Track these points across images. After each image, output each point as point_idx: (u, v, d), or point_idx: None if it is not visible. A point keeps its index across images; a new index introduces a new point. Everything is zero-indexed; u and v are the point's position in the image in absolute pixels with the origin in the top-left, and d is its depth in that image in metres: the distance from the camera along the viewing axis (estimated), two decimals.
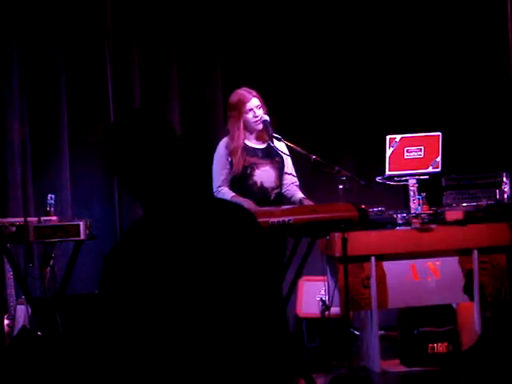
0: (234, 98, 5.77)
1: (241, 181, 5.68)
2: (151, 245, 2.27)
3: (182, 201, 2.34)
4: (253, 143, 5.75)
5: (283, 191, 5.79)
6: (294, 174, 5.84)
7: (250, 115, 5.68)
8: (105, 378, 2.35)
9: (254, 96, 5.71)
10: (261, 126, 5.70)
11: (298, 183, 5.84)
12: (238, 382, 2.27)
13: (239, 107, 5.68)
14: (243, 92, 5.75)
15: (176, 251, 2.27)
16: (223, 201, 2.54)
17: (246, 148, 5.70)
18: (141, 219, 2.34)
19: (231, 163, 5.67)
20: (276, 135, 5.74)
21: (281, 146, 5.77)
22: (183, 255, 2.27)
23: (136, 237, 2.31)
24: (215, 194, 5.64)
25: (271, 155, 5.75)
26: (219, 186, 5.67)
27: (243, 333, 2.28)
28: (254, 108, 5.67)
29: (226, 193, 5.62)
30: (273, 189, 5.71)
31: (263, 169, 5.72)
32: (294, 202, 5.75)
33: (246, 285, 2.30)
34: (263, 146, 5.77)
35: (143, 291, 2.23)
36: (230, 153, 5.67)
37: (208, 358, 2.25)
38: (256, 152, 5.72)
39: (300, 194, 5.77)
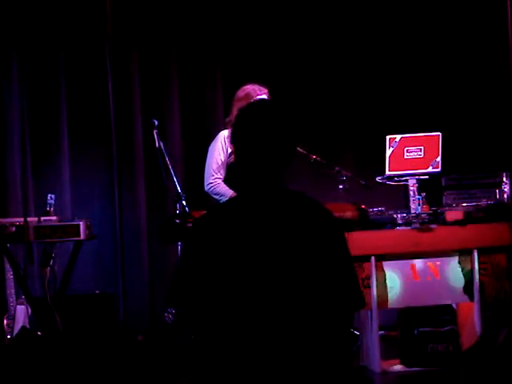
0: (244, 89, 5.66)
1: (236, 174, 5.63)
2: (237, 221, 2.50)
3: (274, 189, 2.57)
4: None
5: None
6: None
7: None
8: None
9: (265, 94, 5.65)
10: None
11: None
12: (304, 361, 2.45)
13: (248, 99, 5.53)
14: (255, 87, 5.65)
15: (259, 233, 2.48)
16: (304, 195, 2.70)
17: None
18: (235, 198, 2.65)
19: (230, 153, 5.52)
20: None
21: None
22: (264, 237, 2.48)
23: (227, 211, 2.56)
24: (210, 184, 5.52)
25: None
26: (216, 178, 5.53)
27: (309, 318, 2.47)
28: None
29: (224, 189, 5.50)
30: None
31: None
32: None
33: (317, 273, 2.49)
34: None
35: (220, 260, 2.45)
36: (231, 142, 5.59)
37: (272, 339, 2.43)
38: None
39: None
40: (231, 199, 2.71)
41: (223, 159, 5.52)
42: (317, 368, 2.46)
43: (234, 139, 2.61)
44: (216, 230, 2.49)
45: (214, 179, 5.50)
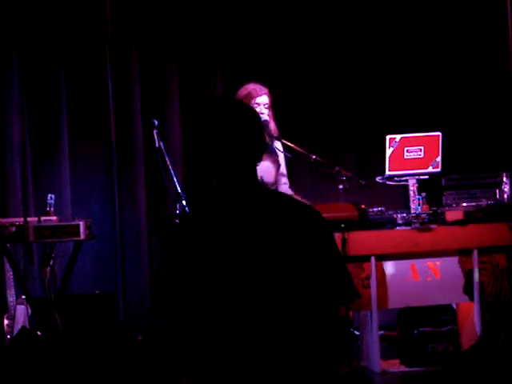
0: (244, 89, 5.69)
1: None
2: (219, 220, 2.46)
3: (253, 187, 2.53)
4: None
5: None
6: (285, 174, 5.86)
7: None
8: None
9: (265, 94, 5.67)
10: None
11: (288, 184, 5.86)
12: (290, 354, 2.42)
13: (248, 99, 5.60)
14: (255, 87, 5.69)
15: (241, 231, 2.44)
16: (287, 195, 2.69)
17: None
18: (214, 198, 2.56)
19: None
20: (275, 135, 5.75)
21: (278, 144, 5.79)
22: (246, 235, 2.44)
23: (210, 210, 2.51)
24: None
25: (272, 152, 5.77)
26: None
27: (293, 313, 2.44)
28: (262, 105, 5.64)
29: None
30: (272, 184, 5.73)
31: (264, 163, 5.73)
32: None
33: (304, 270, 2.45)
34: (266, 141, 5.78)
35: (204, 261, 2.41)
36: None
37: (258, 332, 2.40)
38: None
39: (290, 192, 5.80)
40: (211, 199, 2.64)
41: None
42: (309, 364, 2.45)
43: (199, 143, 2.54)
44: (198, 231, 2.45)
45: None
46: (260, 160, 2.55)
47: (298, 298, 2.43)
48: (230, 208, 2.48)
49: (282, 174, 5.87)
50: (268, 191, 2.57)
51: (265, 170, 5.74)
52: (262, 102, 5.65)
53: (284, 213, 2.49)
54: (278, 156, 5.80)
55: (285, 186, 5.85)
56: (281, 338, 2.40)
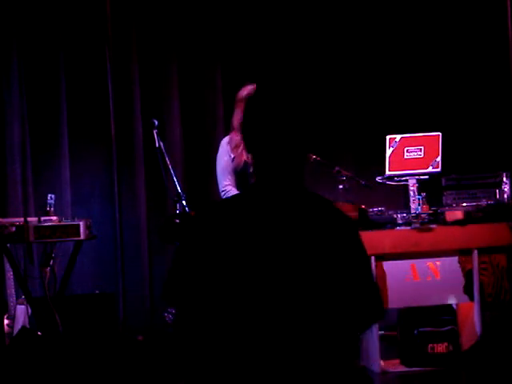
0: (243, 91, 5.70)
1: (243, 179, 5.67)
2: (241, 217, 2.30)
3: (286, 185, 2.37)
4: None
5: None
6: None
7: None
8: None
9: None
10: None
11: None
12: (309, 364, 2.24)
13: (246, 100, 5.62)
14: (254, 87, 5.71)
15: (263, 230, 2.27)
16: (318, 195, 2.52)
17: None
18: (242, 193, 2.49)
19: (233, 158, 5.61)
20: None
21: None
22: (269, 235, 2.27)
23: (231, 206, 2.35)
24: (223, 191, 5.58)
25: None
26: (226, 185, 5.60)
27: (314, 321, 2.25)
28: None
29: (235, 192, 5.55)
30: None
31: None
32: None
33: (328, 277, 2.26)
34: None
35: (222, 257, 2.25)
36: (233, 147, 5.65)
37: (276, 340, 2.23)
38: None
39: None
40: (237, 195, 2.54)
41: (227, 166, 5.58)
42: (320, 374, 2.26)
43: (245, 130, 2.38)
44: (218, 224, 2.28)
45: (225, 186, 5.57)
46: (304, 161, 2.42)
47: (317, 309, 2.23)
48: (257, 204, 2.31)
49: None
50: (306, 193, 2.39)
51: None
52: None
53: (314, 217, 2.32)
54: None
55: None
56: (291, 348, 2.21)
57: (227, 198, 2.36)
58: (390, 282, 5.80)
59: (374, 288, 2.34)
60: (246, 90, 5.71)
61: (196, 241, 2.31)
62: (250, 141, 2.37)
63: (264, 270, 2.24)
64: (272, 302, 2.23)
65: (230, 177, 5.60)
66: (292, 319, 2.22)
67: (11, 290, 5.76)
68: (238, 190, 5.57)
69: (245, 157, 5.65)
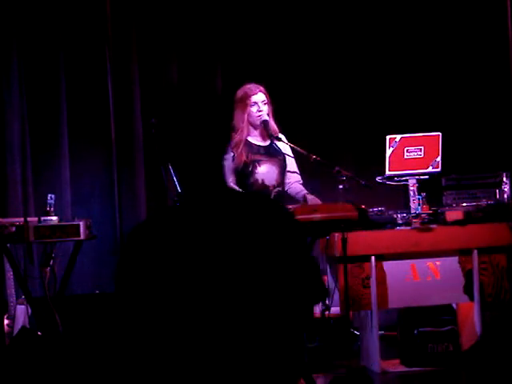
0: (240, 91, 5.81)
1: (243, 178, 5.71)
2: (177, 230, 2.23)
3: (218, 193, 2.33)
4: (256, 140, 5.79)
5: (287, 189, 5.86)
6: (298, 172, 5.92)
7: (254, 109, 5.73)
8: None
9: (261, 91, 5.76)
10: (260, 122, 5.76)
11: (301, 181, 5.92)
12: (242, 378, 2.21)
13: (244, 100, 5.73)
14: (250, 86, 5.80)
15: (202, 241, 2.21)
16: (260, 196, 2.46)
17: (250, 144, 5.74)
18: (175, 206, 2.28)
19: (233, 157, 5.69)
20: (279, 136, 5.79)
21: (284, 147, 5.84)
22: (207, 246, 2.21)
23: (164, 220, 2.28)
24: None
25: (274, 153, 5.79)
26: (228, 184, 5.70)
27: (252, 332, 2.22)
28: (259, 102, 5.71)
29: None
30: (274, 187, 5.75)
31: (265, 166, 5.76)
32: (298, 199, 5.81)
33: (272, 282, 2.22)
34: (267, 143, 5.82)
35: (160, 274, 2.18)
36: (234, 146, 5.69)
37: (213, 353, 2.19)
38: (259, 149, 5.78)
39: (304, 191, 5.85)
40: (165, 209, 2.47)
41: (229, 165, 5.66)
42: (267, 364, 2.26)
43: (164, 157, 2.35)
44: (154, 240, 2.25)
45: (229, 184, 5.65)
46: (223, 154, 2.37)
47: (254, 304, 2.20)
48: (188, 212, 2.28)
49: (290, 172, 5.90)
50: (227, 191, 2.34)
51: (266, 172, 5.75)
52: (258, 100, 5.72)
53: (247, 214, 2.29)
54: (281, 156, 5.81)
55: (296, 184, 5.88)
56: (227, 347, 2.19)
57: (158, 214, 2.27)
58: (390, 281, 5.80)
59: (313, 269, 2.33)
60: (241, 91, 5.78)
61: (134, 263, 2.26)
62: (170, 160, 2.34)
63: (196, 273, 2.20)
64: (205, 305, 2.20)
65: (232, 176, 5.69)
66: (227, 320, 2.20)
67: (11, 290, 5.76)
68: (239, 189, 5.66)
69: (244, 156, 5.68)
